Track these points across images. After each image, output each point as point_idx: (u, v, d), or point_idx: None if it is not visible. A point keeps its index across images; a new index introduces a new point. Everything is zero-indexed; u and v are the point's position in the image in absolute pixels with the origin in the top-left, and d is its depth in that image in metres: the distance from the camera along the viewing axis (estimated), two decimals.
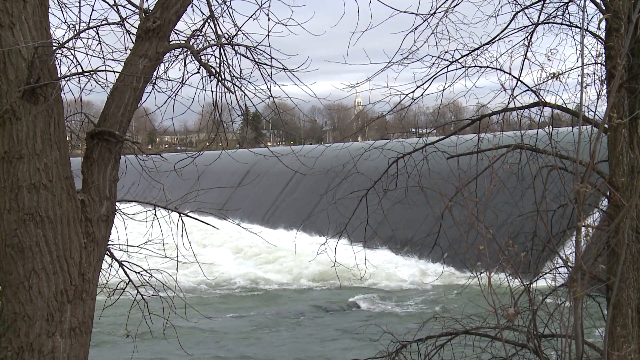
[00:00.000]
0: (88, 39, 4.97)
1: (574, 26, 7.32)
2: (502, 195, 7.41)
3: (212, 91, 5.15)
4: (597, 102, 6.71)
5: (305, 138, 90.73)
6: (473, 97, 7.95)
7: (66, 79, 4.56)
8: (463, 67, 7.74)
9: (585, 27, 6.88)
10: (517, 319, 4.40)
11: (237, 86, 5.20)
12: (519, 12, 7.51)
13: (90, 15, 5.12)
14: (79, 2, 5.29)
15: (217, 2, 5.15)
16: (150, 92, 5.00)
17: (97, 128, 4.50)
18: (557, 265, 6.47)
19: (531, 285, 6.18)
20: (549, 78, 6.84)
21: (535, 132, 7.37)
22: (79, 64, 4.74)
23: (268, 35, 5.14)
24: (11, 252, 4.15)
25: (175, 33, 4.95)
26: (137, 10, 4.78)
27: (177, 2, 4.61)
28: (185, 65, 5.04)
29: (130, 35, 5.13)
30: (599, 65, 6.85)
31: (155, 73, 4.79)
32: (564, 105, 7.30)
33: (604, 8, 6.53)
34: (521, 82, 7.44)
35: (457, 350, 7.35)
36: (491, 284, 3.35)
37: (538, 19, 7.46)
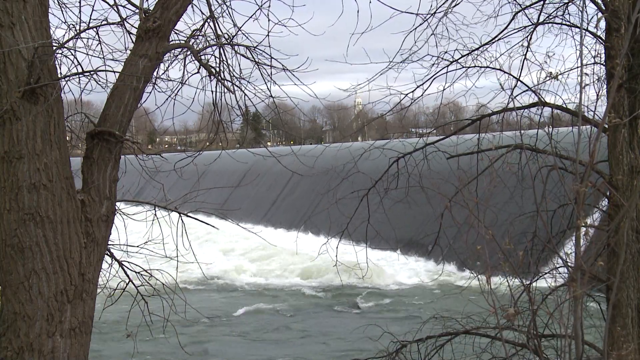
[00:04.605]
0: (88, 39, 4.97)
1: (573, 26, 7.32)
2: (502, 195, 7.41)
3: (212, 91, 5.16)
4: (597, 102, 6.71)
5: (305, 138, 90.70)
6: (473, 97, 7.95)
7: (66, 79, 4.56)
8: (463, 67, 7.74)
9: (585, 27, 6.88)
10: (517, 319, 4.40)
11: (237, 86, 5.20)
12: (518, 12, 7.51)
13: (90, 15, 5.13)
14: (79, 2, 5.30)
15: (217, 2, 5.16)
16: (150, 92, 5.00)
17: (97, 128, 4.50)
18: (557, 265, 6.47)
19: (531, 285, 6.17)
20: (549, 78, 6.84)
21: (535, 132, 7.37)
22: (79, 64, 4.74)
23: (268, 35, 5.14)
24: (11, 252, 4.15)
25: (175, 33, 4.96)
26: (137, 10, 4.78)
27: (177, 2, 4.61)
28: (185, 65, 5.05)
29: (130, 35, 5.14)
30: (600, 65, 6.85)
31: (155, 73, 4.79)
32: (564, 105, 7.30)
33: (603, 8, 6.52)
34: (521, 82, 7.44)
35: (457, 350, 7.35)
36: (490, 283, 3.35)
37: (538, 19, 7.45)
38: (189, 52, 4.96)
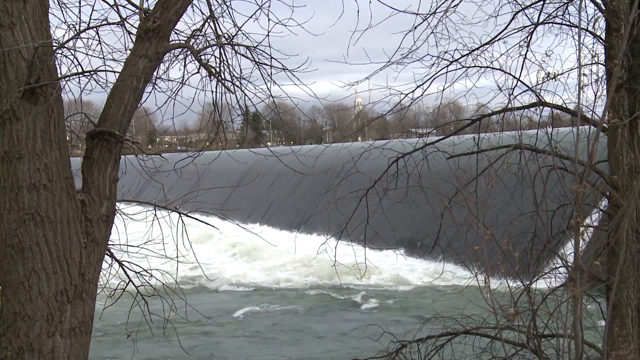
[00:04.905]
0: (88, 39, 4.98)
1: (573, 26, 7.32)
2: (502, 195, 7.41)
3: (212, 91, 5.16)
4: (597, 102, 6.71)
5: (305, 138, 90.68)
6: (473, 97, 7.96)
7: (66, 79, 4.56)
8: (463, 67, 7.74)
9: (585, 27, 6.88)
10: (516, 319, 4.40)
11: (237, 86, 5.21)
12: (518, 12, 7.52)
13: (90, 15, 5.13)
14: (79, 2, 5.30)
15: (217, 2, 5.16)
16: (150, 92, 5.00)
17: (97, 128, 4.50)
18: (557, 265, 6.48)
19: (531, 286, 6.18)
20: (549, 78, 6.84)
21: (535, 132, 7.37)
22: (79, 64, 4.74)
23: (268, 35, 5.14)
24: (11, 252, 4.15)
25: (175, 33, 4.96)
26: (137, 10, 4.78)
27: (177, 2, 4.61)
28: (185, 65, 5.05)
29: (130, 35, 5.14)
30: (599, 65, 6.85)
31: (155, 73, 4.79)
32: (564, 105, 7.30)
33: (603, 8, 6.52)
34: (521, 82, 7.45)
35: (457, 350, 7.35)
36: (489, 284, 3.35)
37: (538, 19, 7.46)
38: (189, 52, 4.96)
